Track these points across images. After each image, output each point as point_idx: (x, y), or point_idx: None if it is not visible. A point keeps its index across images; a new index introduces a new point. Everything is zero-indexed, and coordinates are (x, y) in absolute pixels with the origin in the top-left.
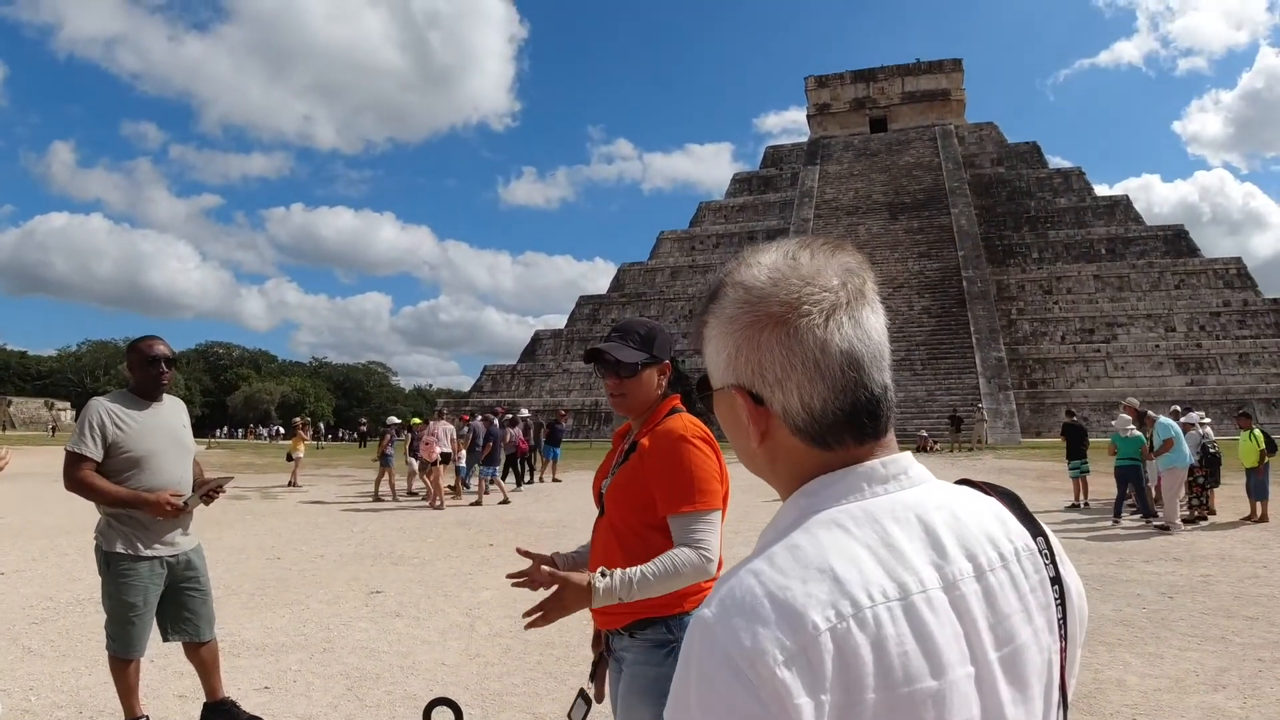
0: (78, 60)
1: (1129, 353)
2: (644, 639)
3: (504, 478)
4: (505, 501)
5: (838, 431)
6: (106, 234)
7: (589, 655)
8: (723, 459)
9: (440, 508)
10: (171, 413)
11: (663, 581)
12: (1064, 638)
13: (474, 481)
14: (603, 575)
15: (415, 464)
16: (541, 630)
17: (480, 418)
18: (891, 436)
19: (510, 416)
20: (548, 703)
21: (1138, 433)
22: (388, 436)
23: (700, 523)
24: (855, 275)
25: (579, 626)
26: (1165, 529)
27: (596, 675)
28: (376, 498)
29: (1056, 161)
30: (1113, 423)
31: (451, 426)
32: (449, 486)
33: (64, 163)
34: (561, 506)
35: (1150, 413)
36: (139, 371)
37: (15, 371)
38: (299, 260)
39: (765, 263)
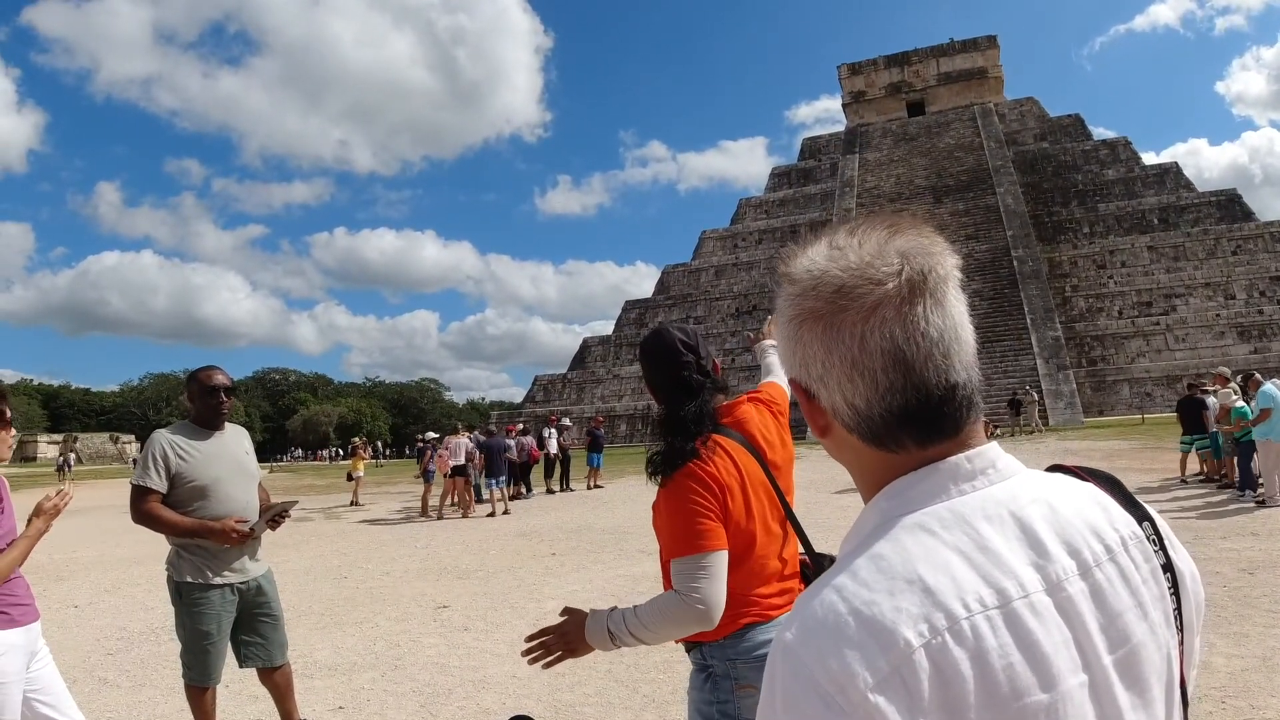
0: (116, 101)
1: (1189, 324)
2: (693, 660)
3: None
4: (506, 512)
5: (893, 432)
6: (158, 269)
7: (659, 663)
8: (728, 485)
9: (441, 518)
10: (234, 440)
11: (655, 624)
12: (1181, 629)
13: (486, 493)
14: (595, 611)
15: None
16: None
17: (476, 430)
18: (975, 429)
19: (560, 424)
20: (620, 712)
21: (1242, 403)
22: (429, 452)
23: (683, 566)
24: (915, 261)
25: None
26: (1263, 503)
27: None
28: (424, 513)
29: (1101, 132)
30: (1211, 399)
31: (468, 440)
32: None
33: (110, 203)
34: (621, 513)
35: (1257, 375)
36: (199, 401)
37: (80, 408)
38: (346, 283)
39: (810, 254)
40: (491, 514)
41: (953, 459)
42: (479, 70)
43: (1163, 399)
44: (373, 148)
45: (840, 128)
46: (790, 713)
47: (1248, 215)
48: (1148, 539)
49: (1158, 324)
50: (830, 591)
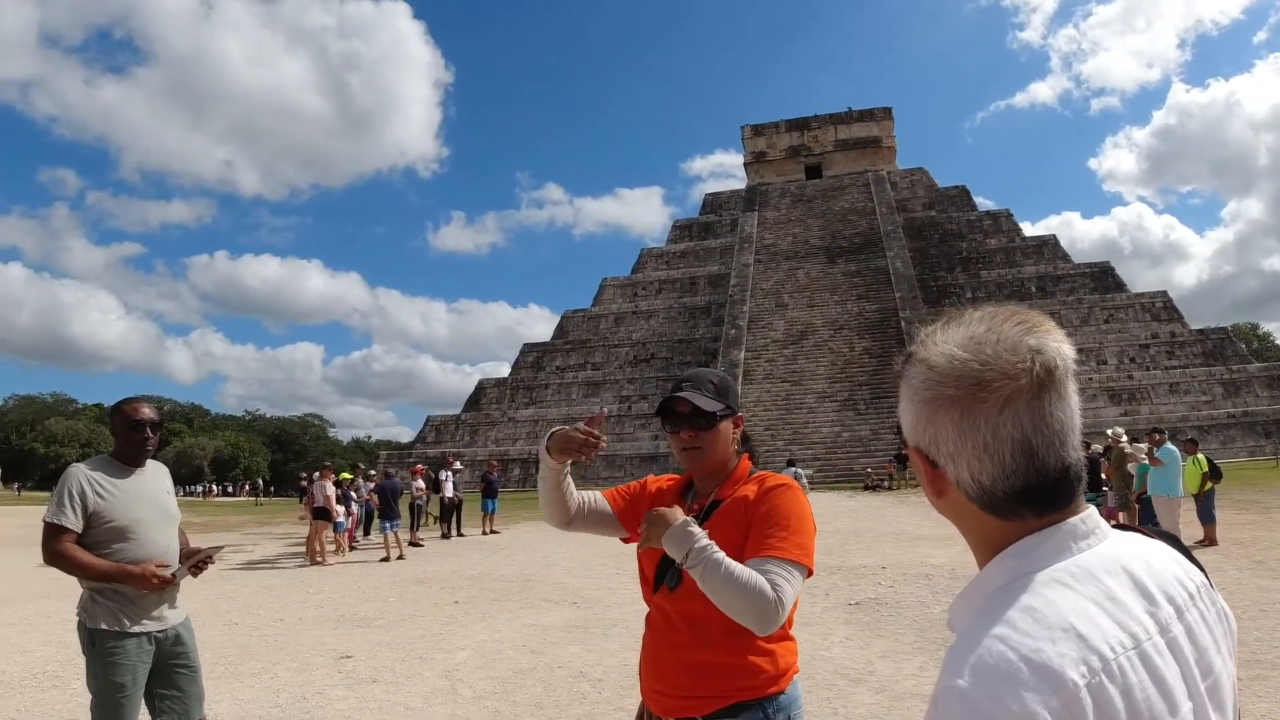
0: None
1: None
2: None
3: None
4: (401, 557)
5: (1012, 505)
6: (24, 283)
7: (581, 715)
8: None
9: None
10: (155, 479)
11: (732, 588)
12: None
13: (380, 537)
14: (687, 529)
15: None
16: (530, 690)
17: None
18: (1080, 498)
19: (453, 468)
20: None
21: (1145, 460)
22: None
23: (792, 573)
24: (1043, 357)
25: (567, 684)
26: None
27: None
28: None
29: (984, 203)
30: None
31: (329, 484)
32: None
33: None
34: (521, 559)
35: (1159, 431)
36: (123, 436)
37: None
38: (225, 310)
39: (951, 341)
40: (385, 558)
41: (1070, 521)
42: (372, 99)
43: None
44: (259, 171)
45: (738, 184)
46: None
47: (1120, 286)
48: (1211, 587)
49: None
50: (994, 641)
